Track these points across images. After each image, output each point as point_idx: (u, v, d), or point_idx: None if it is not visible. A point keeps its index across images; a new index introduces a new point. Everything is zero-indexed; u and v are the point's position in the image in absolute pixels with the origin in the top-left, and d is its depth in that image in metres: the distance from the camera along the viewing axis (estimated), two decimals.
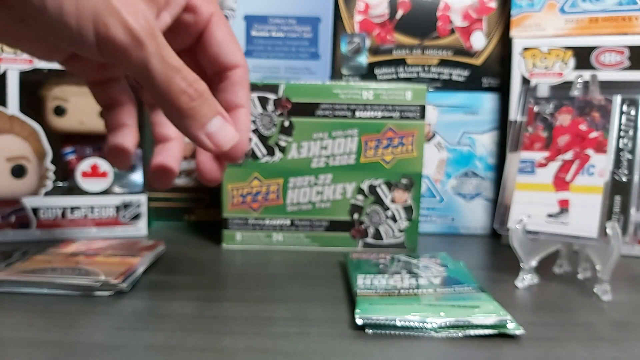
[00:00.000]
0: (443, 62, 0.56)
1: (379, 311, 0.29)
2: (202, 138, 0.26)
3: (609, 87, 0.38)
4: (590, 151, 0.37)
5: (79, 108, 0.50)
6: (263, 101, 0.46)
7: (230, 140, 0.27)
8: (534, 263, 0.38)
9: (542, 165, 0.39)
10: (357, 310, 0.29)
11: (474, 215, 0.56)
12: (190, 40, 0.29)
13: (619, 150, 0.36)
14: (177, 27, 0.28)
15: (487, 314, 0.29)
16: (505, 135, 0.54)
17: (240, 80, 0.30)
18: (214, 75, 0.30)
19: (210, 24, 0.29)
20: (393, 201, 0.47)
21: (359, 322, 0.28)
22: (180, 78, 0.24)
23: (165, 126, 0.31)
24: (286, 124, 0.46)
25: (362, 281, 0.34)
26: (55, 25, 0.22)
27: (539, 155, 0.39)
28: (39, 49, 0.27)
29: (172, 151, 0.31)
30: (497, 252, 0.49)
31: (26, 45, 0.27)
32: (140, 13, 0.23)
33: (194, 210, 0.59)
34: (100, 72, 0.30)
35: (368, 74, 0.57)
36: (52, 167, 0.49)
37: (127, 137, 0.31)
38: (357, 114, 0.46)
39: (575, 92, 0.39)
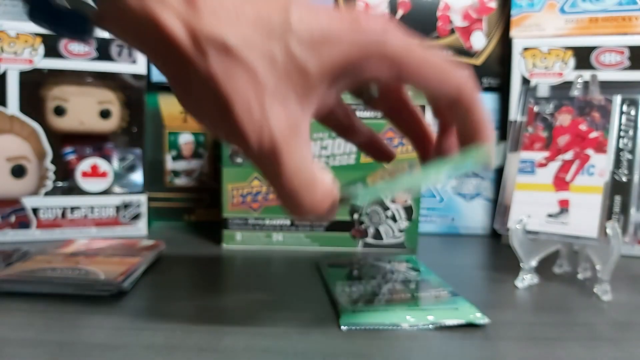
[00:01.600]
0: None
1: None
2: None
3: (609, 87, 0.38)
4: (590, 151, 0.37)
5: (79, 108, 0.50)
6: None
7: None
8: (534, 263, 0.38)
9: (542, 165, 0.39)
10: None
11: (474, 215, 0.56)
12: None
13: (619, 150, 0.36)
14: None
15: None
16: (505, 135, 0.54)
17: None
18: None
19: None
20: (393, 201, 0.47)
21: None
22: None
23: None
24: None
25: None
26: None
27: (539, 155, 0.39)
28: None
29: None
30: (497, 252, 0.49)
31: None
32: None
33: (194, 210, 0.59)
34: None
35: None
36: (52, 167, 0.49)
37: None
38: (357, 113, 0.46)
39: (575, 92, 0.39)
